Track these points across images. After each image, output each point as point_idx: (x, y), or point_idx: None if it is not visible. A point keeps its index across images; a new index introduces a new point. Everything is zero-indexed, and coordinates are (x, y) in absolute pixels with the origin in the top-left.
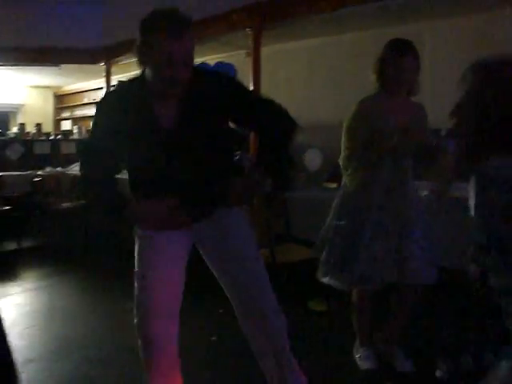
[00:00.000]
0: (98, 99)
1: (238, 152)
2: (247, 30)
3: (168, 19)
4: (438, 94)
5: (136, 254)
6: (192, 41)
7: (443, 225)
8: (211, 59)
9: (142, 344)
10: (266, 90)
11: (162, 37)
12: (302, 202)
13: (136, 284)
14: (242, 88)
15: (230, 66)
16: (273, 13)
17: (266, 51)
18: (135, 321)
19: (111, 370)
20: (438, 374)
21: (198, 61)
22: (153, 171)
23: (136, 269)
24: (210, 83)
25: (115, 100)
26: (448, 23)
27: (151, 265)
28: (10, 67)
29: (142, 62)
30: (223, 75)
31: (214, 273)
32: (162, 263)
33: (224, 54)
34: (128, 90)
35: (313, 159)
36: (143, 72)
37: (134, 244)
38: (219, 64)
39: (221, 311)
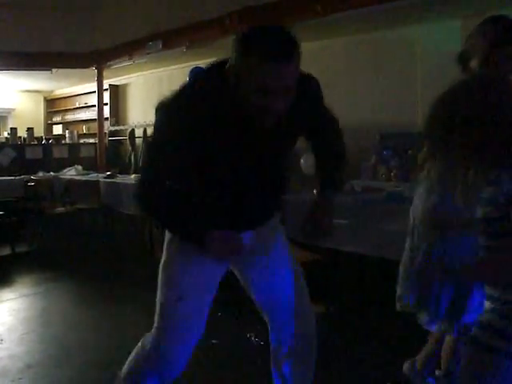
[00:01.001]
0: (89, 103)
1: None
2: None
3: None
4: (430, 96)
5: (172, 269)
6: (296, 67)
7: None
8: (203, 63)
9: (157, 361)
10: None
11: (261, 64)
12: (299, 205)
13: (168, 303)
14: (323, 103)
15: None
16: (265, 17)
17: None
18: (156, 337)
19: (111, 374)
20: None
21: (189, 64)
22: (239, 181)
23: (170, 286)
24: (305, 91)
25: (201, 107)
26: (440, 27)
27: (196, 288)
28: (1, 71)
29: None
30: (313, 83)
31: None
32: (204, 288)
33: (216, 59)
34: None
35: (310, 164)
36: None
37: (128, 247)
38: None
39: (219, 314)
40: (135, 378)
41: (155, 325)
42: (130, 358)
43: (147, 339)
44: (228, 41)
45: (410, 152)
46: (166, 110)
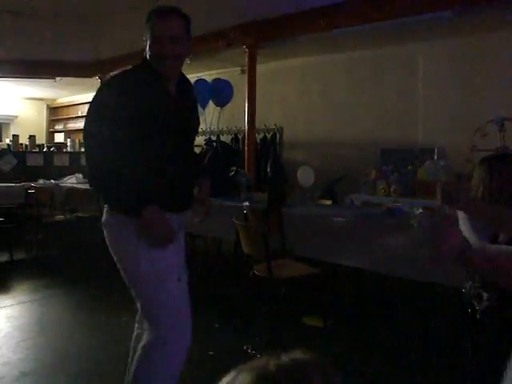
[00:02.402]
0: None
1: (233, 168)
2: (243, 47)
3: (160, 9)
4: (430, 112)
5: (144, 257)
6: (180, 23)
7: None
8: (207, 75)
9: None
10: (261, 107)
11: (154, 20)
12: (298, 217)
13: (158, 293)
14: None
15: (226, 83)
16: (269, 31)
17: (261, 68)
18: (161, 332)
19: (107, 383)
20: None
21: (194, 76)
22: (171, 149)
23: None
24: (191, 89)
25: (135, 82)
26: (441, 44)
27: (174, 267)
28: (5, 79)
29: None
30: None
31: None
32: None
33: (220, 71)
34: (140, 73)
35: (305, 176)
36: (144, 61)
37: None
38: (218, 80)
39: (216, 326)
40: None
41: (153, 323)
42: (137, 369)
43: (148, 346)
44: (231, 53)
45: (409, 168)
46: (113, 88)
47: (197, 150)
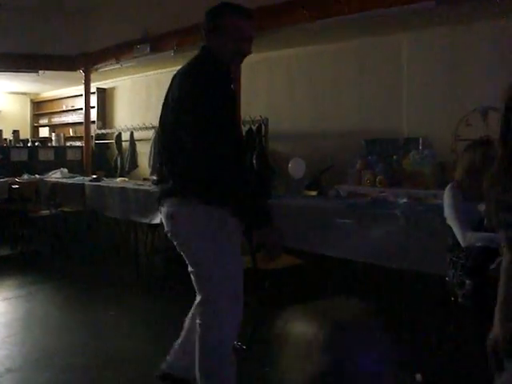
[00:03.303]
0: (76, 106)
1: None
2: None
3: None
4: (415, 102)
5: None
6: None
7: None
8: None
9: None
10: (246, 99)
11: (242, 19)
12: (283, 209)
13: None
14: None
15: None
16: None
17: (246, 60)
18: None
19: (92, 378)
20: (417, 378)
21: (176, 69)
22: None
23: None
24: None
25: (225, 75)
26: (425, 34)
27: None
28: None
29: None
30: None
31: None
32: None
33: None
34: (220, 66)
35: (297, 168)
36: (209, 52)
37: (113, 250)
38: None
39: None
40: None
41: (211, 304)
42: (201, 359)
43: (201, 332)
44: None
45: (394, 158)
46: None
47: None
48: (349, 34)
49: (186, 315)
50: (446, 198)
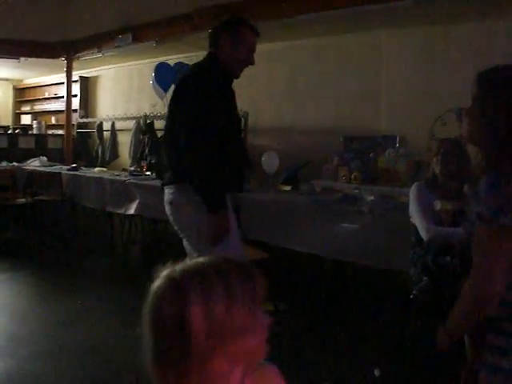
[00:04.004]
0: (59, 94)
1: None
2: (209, 31)
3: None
4: (393, 100)
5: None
6: None
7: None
8: (173, 59)
9: None
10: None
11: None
12: (256, 203)
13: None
14: None
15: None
16: (233, 15)
17: None
18: None
19: (58, 366)
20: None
21: (158, 59)
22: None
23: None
24: None
25: (220, 82)
26: (405, 33)
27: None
28: None
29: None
30: None
31: None
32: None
33: (185, 55)
34: (217, 72)
35: (270, 162)
36: (213, 59)
37: (89, 239)
38: (180, 64)
39: None
40: None
41: None
42: None
43: None
44: (196, 37)
45: (371, 155)
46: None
47: (159, 134)
48: (329, 30)
49: None
50: (411, 193)
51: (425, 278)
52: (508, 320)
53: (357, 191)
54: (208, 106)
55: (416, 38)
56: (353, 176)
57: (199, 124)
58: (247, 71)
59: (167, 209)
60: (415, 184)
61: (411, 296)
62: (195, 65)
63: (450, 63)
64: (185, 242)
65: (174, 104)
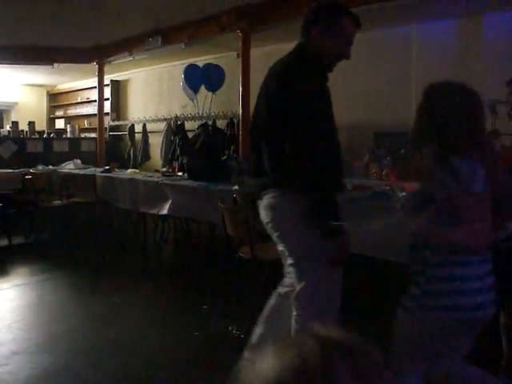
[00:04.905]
0: (91, 98)
1: (226, 152)
2: (237, 31)
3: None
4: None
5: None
6: None
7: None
8: (202, 60)
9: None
10: (257, 92)
11: (348, 23)
12: None
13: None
14: None
15: (218, 68)
16: (262, 15)
17: (256, 53)
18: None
19: (94, 362)
20: None
21: (188, 61)
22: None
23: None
24: None
25: (324, 81)
26: (435, 26)
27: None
28: (5, 65)
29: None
30: None
31: None
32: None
33: (215, 55)
34: (319, 68)
35: None
36: (308, 53)
37: (122, 240)
38: (209, 65)
39: (205, 307)
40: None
41: (302, 308)
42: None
43: (297, 326)
44: (226, 38)
45: (402, 151)
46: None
47: (190, 135)
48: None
49: (188, 301)
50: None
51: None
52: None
53: (388, 188)
54: (314, 105)
55: (446, 30)
56: (384, 173)
57: (307, 126)
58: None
59: (266, 214)
60: None
61: None
62: (287, 59)
63: (482, 55)
64: (280, 247)
65: (268, 103)
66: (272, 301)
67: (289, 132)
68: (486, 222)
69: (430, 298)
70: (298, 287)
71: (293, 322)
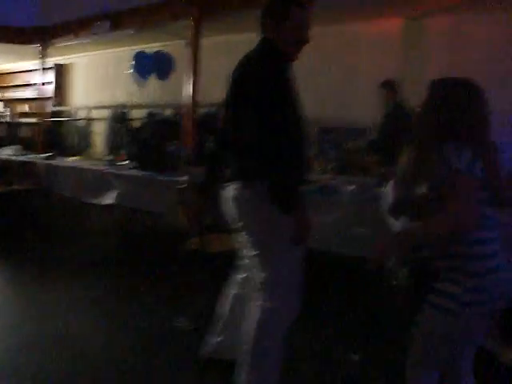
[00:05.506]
0: (32, 81)
1: (173, 142)
2: (190, 19)
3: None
4: (370, 91)
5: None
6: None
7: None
8: (151, 47)
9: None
10: (205, 82)
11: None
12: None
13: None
14: None
15: (168, 56)
16: (213, 4)
17: (206, 42)
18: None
19: (34, 359)
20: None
21: (136, 48)
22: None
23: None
24: None
25: (285, 69)
26: (381, 24)
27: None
28: None
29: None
30: None
31: None
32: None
33: (164, 43)
34: (279, 57)
35: None
36: (266, 44)
37: (63, 230)
38: (159, 53)
39: (150, 300)
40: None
41: (269, 294)
42: (258, 341)
43: (262, 314)
44: (177, 25)
45: (347, 146)
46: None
47: (137, 123)
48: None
49: (132, 295)
50: (388, 189)
51: (404, 270)
52: (455, 270)
53: (333, 182)
54: (276, 96)
55: (393, 29)
56: (329, 167)
57: (270, 118)
58: (226, 61)
59: (230, 205)
60: (390, 182)
61: (390, 282)
62: (251, 53)
63: (428, 56)
64: (242, 238)
65: (235, 96)
66: (227, 305)
67: (251, 123)
68: (470, 202)
69: (474, 293)
70: (263, 275)
71: (256, 310)
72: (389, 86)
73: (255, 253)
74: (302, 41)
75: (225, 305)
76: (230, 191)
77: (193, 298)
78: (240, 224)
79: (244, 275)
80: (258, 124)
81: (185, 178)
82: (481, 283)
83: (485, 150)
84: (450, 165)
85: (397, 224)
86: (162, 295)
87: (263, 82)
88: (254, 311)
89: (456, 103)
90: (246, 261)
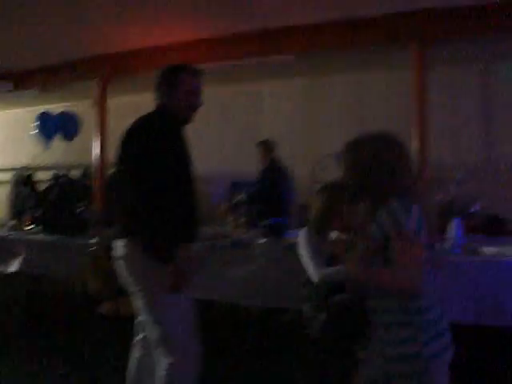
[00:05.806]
0: None
1: (81, 204)
2: (94, 80)
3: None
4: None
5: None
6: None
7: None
8: (56, 107)
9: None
10: (113, 142)
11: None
12: None
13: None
14: None
15: (73, 116)
16: (119, 65)
17: (113, 102)
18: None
19: None
20: None
21: (41, 108)
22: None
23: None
24: None
25: (178, 127)
26: (285, 84)
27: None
28: None
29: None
30: None
31: None
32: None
33: (70, 103)
34: (173, 118)
35: None
36: (158, 108)
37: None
38: (64, 113)
39: (61, 372)
40: None
41: (167, 351)
42: None
43: (166, 370)
44: (84, 86)
45: (236, 200)
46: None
47: (43, 186)
48: (212, 81)
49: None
50: (300, 238)
51: (321, 314)
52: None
53: (245, 236)
54: (154, 157)
55: (296, 89)
56: (241, 221)
57: (146, 176)
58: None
59: (119, 264)
60: (303, 229)
61: (307, 332)
62: (142, 116)
63: (327, 112)
64: (137, 300)
65: (120, 158)
66: (133, 369)
67: (133, 183)
68: (419, 263)
69: (433, 341)
70: (156, 333)
71: (160, 367)
72: (264, 144)
73: (145, 310)
74: (193, 105)
75: (131, 369)
76: (118, 249)
77: (107, 368)
78: (130, 280)
79: (142, 335)
80: (135, 182)
81: (95, 240)
82: (439, 330)
83: (423, 202)
84: (400, 227)
85: (313, 271)
86: (75, 367)
87: (149, 145)
88: (158, 369)
89: (381, 159)
90: (142, 319)
